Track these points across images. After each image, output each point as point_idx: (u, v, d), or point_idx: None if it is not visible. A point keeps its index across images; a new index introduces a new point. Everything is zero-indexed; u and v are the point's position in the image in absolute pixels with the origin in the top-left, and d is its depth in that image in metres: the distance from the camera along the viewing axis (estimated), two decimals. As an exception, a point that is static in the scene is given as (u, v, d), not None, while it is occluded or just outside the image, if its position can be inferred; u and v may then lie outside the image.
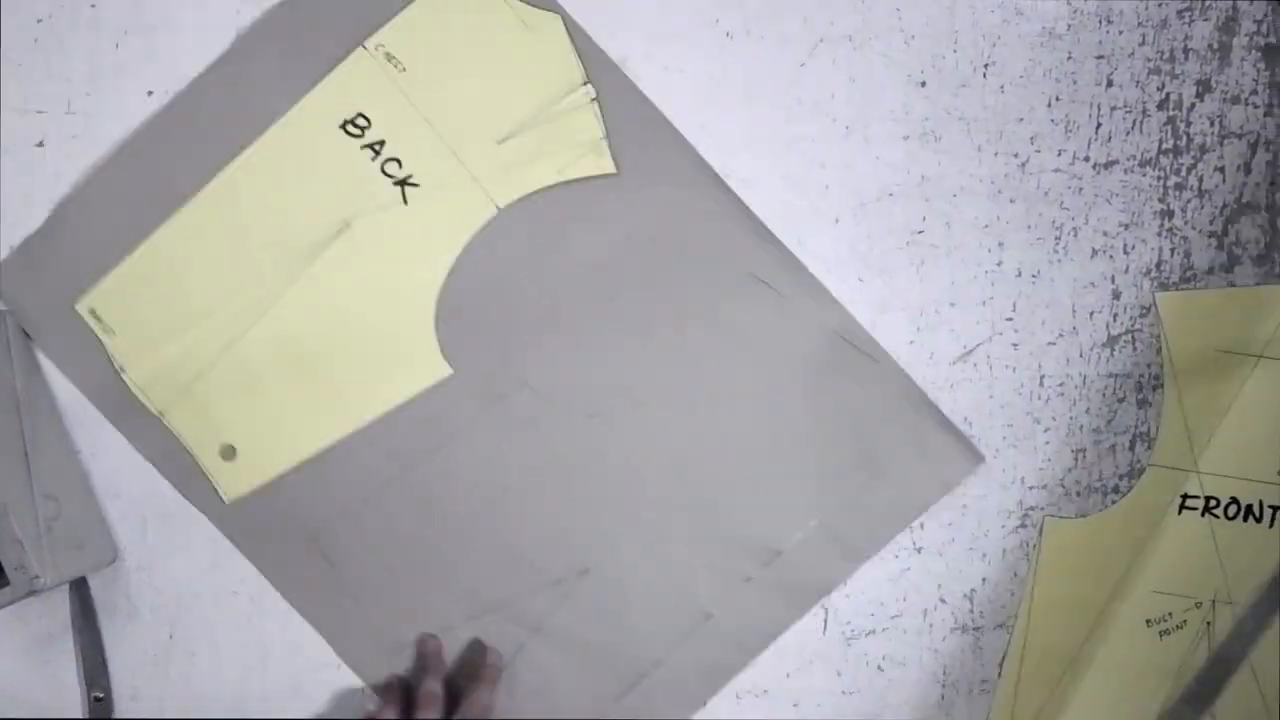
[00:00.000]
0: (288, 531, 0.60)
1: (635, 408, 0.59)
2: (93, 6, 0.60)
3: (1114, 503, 0.62)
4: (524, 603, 0.59)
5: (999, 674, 0.62)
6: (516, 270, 0.60)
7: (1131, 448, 0.62)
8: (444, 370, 0.59)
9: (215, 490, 0.60)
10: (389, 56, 0.58)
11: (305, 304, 0.59)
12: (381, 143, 0.59)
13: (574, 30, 0.60)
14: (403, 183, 0.59)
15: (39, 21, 0.61)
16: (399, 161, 0.59)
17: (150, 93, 0.61)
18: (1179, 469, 0.60)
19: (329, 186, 0.59)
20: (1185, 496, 0.60)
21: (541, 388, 0.59)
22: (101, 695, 0.62)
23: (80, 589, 0.61)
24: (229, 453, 0.60)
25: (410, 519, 0.60)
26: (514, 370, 0.59)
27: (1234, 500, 0.60)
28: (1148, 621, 0.60)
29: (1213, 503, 0.60)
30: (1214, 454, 0.60)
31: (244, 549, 0.61)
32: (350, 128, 0.59)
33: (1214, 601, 0.60)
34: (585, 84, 0.59)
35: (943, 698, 0.63)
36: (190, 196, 0.59)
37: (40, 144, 0.61)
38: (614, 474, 0.60)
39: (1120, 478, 0.62)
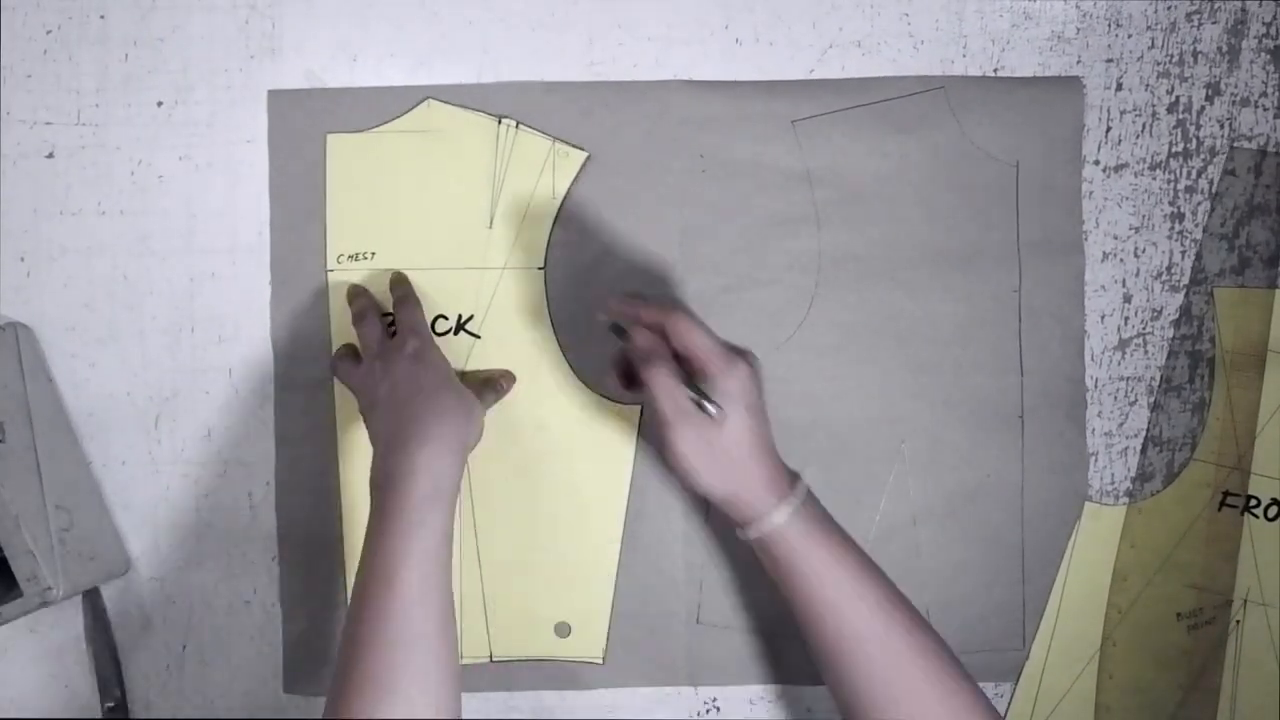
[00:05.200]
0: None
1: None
2: (101, 18, 0.60)
3: (1153, 494, 0.62)
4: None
5: (1027, 656, 0.62)
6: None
7: (1143, 451, 0.62)
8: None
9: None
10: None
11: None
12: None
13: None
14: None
15: (48, 33, 0.61)
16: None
17: (160, 103, 0.61)
18: (1222, 465, 0.60)
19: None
20: (1226, 494, 0.60)
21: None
22: (115, 705, 0.62)
23: (93, 599, 0.61)
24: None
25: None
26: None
27: (1275, 501, 0.60)
28: (1178, 614, 0.60)
29: (1253, 502, 0.60)
30: (1260, 454, 0.60)
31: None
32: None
33: (1245, 601, 0.60)
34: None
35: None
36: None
37: (49, 155, 0.61)
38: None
39: (1131, 480, 0.62)
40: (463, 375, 0.61)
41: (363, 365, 0.57)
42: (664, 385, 0.50)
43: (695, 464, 0.50)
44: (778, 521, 0.50)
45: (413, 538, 0.49)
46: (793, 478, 0.52)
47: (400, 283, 0.60)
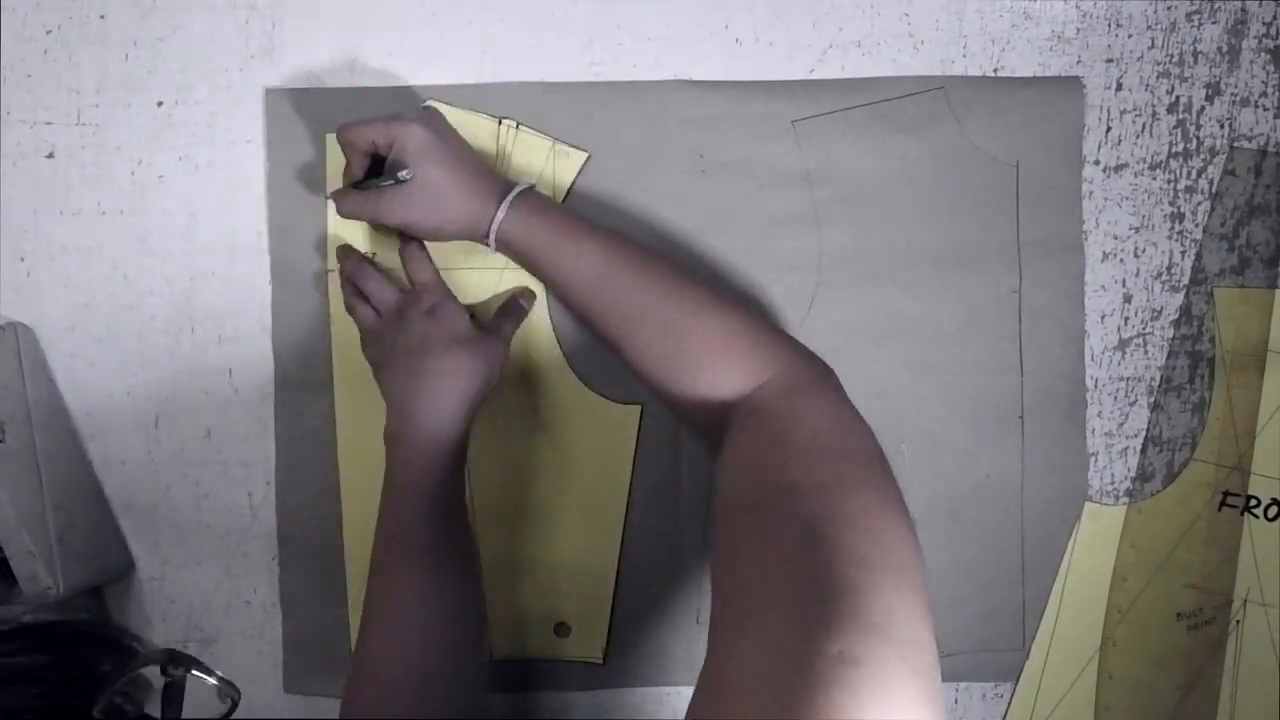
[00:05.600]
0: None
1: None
2: (101, 18, 0.60)
3: (1153, 494, 0.62)
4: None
5: (1027, 656, 0.62)
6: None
7: (1143, 451, 0.62)
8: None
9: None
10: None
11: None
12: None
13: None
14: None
15: (48, 33, 0.61)
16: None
17: (160, 103, 0.61)
18: (1222, 465, 0.60)
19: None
20: (1226, 494, 0.60)
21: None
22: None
23: (94, 599, 0.61)
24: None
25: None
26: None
27: (1275, 501, 0.60)
28: (1178, 614, 0.60)
29: (1253, 502, 0.60)
30: (1259, 454, 0.60)
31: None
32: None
33: (1245, 601, 0.60)
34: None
35: (956, 702, 0.63)
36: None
37: (49, 155, 0.61)
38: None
39: (1131, 480, 0.62)
40: (475, 309, 0.61)
41: (380, 319, 0.58)
42: (349, 207, 0.56)
43: (415, 221, 0.55)
44: (499, 219, 0.54)
45: (418, 500, 0.53)
46: (508, 185, 0.55)
47: (410, 241, 0.60)
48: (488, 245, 0.55)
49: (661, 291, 0.51)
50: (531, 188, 0.56)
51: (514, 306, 0.60)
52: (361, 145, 0.55)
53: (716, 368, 0.49)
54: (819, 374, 0.49)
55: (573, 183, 0.61)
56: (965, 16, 0.61)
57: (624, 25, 0.61)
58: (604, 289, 0.52)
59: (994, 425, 0.61)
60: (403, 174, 0.53)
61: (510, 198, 0.54)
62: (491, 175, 0.56)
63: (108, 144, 0.61)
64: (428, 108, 0.57)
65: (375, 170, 0.56)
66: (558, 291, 0.54)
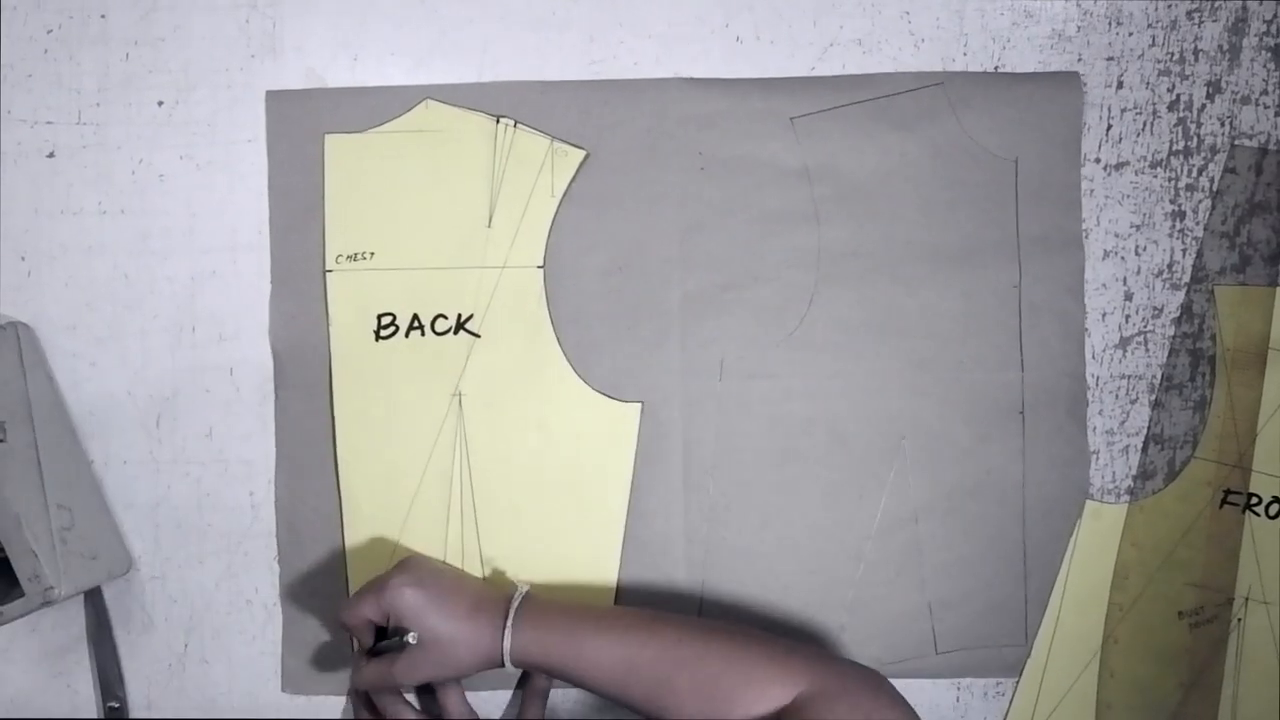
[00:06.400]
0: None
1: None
2: (102, 18, 0.61)
3: (1155, 492, 0.62)
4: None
5: (1029, 653, 0.62)
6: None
7: (1144, 449, 0.62)
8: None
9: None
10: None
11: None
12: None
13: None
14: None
15: (49, 32, 0.61)
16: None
17: (160, 103, 0.61)
18: (1223, 463, 0.60)
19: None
20: (1228, 492, 0.60)
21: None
22: (117, 704, 0.62)
23: (95, 599, 0.61)
24: None
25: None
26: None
27: (1276, 499, 0.60)
28: (1180, 613, 0.60)
29: (1255, 500, 0.60)
30: (1260, 452, 0.60)
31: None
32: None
33: (1247, 599, 0.60)
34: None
35: (958, 700, 0.63)
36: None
37: (50, 154, 0.61)
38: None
39: (1133, 478, 0.62)
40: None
41: None
42: (365, 682, 0.57)
43: (434, 675, 0.55)
44: (507, 648, 0.54)
45: None
46: (503, 606, 0.56)
47: (449, 685, 0.59)
48: (505, 668, 0.55)
49: (686, 653, 0.52)
50: (527, 595, 0.57)
51: (533, 692, 0.60)
52: (362, 624, 0.56)
53: (751, 695, 0.50)
54: (861, 678, 0.51)
55: (571, 181, 0.61)
56: (966, 15, 0.61)
57: (625, 23, 0.61)
58: (628, 675, 0.53)
59: (995, 422, 0.61)
60: (410, 638, 0.54)
61: (510, 623, 0.54)
62: (488, 601, 0.56)
63: (108, 143, 0.61)
64: (405, 560, 0.58)
65: (382, 631, 0.57)
66: (583, 687, 0.55)
